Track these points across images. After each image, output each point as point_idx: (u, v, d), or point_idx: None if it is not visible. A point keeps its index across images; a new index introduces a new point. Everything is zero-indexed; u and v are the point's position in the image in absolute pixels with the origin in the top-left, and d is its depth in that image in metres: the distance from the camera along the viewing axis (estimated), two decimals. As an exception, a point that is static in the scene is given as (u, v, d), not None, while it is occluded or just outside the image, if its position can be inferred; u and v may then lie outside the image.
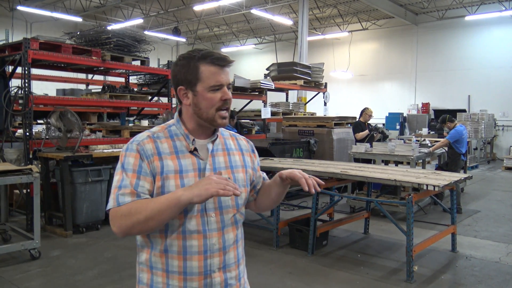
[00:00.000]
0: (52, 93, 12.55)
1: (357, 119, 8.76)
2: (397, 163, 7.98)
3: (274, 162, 5.95)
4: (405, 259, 4.30)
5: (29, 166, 4.80)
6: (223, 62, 1.48)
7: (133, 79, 9.76)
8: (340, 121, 9.26)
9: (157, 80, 8.85)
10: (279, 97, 13.10)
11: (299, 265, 4.68)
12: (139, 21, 17.74)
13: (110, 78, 11.64)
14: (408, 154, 6.79)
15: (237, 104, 10.59)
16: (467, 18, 16.00)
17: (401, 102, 18.57)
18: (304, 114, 11.70)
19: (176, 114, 1.58)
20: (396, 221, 4.73)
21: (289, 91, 12.69)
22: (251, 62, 24.10)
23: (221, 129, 1.63)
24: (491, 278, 4.34)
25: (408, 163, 6.80)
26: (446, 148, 7.65)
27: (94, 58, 6.63)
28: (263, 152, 7.07)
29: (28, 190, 5.64)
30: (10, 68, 6.45)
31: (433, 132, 14.38)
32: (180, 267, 1.44)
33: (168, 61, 9.42)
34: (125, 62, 7.14)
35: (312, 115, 12.09)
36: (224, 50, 24.74)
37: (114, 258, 4.79)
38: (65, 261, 4.74)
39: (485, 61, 16.55)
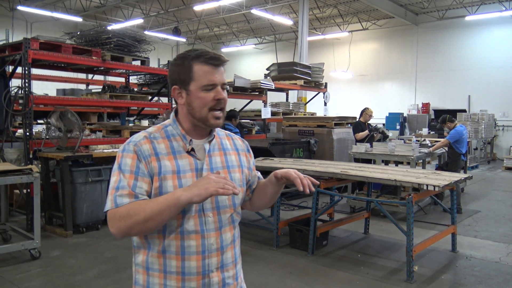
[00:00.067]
0: (52, 93, 12.55)
1: (357, 119, 8.75)
2: (397, 163, 7.98)
3: (274, 162, 5.95)
4: (405, 259, 4.30)
5: (29, 166, 4.80)
6: (217, 61, 1.47)
7: (133, 79, 9.76)
8: (340, 121, 9.26)
9: (157, 80, 8.85)
10: (279, 97, 13.10)
11: (299, 265, 4.68)
12: (139, 21, 17.74)
13: (110, 78, 11.65)
14: (408, 154, 6.79)
15: (237, 104, 10.62)
16: (467, 18, 15.99)
17: (401, 102, 18.57)
18: (304, 114, 11.70)
19: (172, 114, 1.58)
20: (396, 221, 4.73)
21: (289, 91, 12.69)
22: (251, 62, 24.12)
23: (217, 129, 1.63)
24: (491, 278, 4.34)
25: (408, 163, 6.80)
26: (446, 148, 7.65)
27: (94, 58, 6.63)
28: (263, 152, 7.07)
29: (28, 190, 5.64)
30: (10, 68, 6.46)
31: (433, 132, 14.39)
32: (178, 267, 1.44)
33: (168, 61, 9.41)
34: (125, 62, 7.14)
35: (312, 115, 12.09)
36: (224, 50, 24.76)
37: (114, 258, 4.79)
38: (65, 261, 4.74)
39: (485, 61, 16.54)
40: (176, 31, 19.97)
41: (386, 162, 8.15)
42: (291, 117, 10.25)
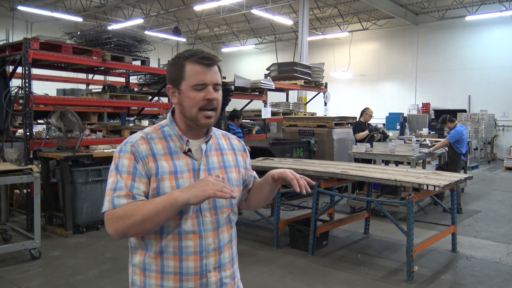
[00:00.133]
0: (53, 93, 12.55)
1: (357, 119, 8.75)
2: (397, 163, 7.98)
3: (274, 162, 5.95)
4: (406, 259, 4.30)
5: (30, 166, 4.80)
6: (208, 61, 1.47)
7: (133, 79, 9.76)
8: (341, 121, 9.26)
9: (157, 80, 8.85)
10: (280, 97, 13.10)
11: (299, 265, 4.68)
12: (139, 21, 17.74)
13: (111, 78, 11.65)
14: (409, 154, 6.79)
15: (237, 104, 10.61)
16: (468, 18, 15.99)
17: (402, 102, 18.57)
18: (304, 114, 11.70)
19: (169, 115, 1.58)
20: (396, 221, 4.72)
21: (290, 91, 12.69)
22: (251, 62, 24.12)
23: (214, 129, 1.63)
24: (491, 278, 4.34)
25: (409, 163, 6.80)
26: (446, 148, 7.65)
27: (94, 58, 6.63)
28: (264, 152, 7.07)
29: (29, 190, 5.64)
30: (11, 68, 6.46)
31: (434, 132, 14.39)
32: (176, 268, 1.44)
33: (168, 61, 9.41)
34: (126, 62, 7.15)
35: (313, 115, 12.09)
36: (224, 50, 24.78)
37: (114, 258, 4.79)
38: (65, 261, 4.74)
39: (486, 61, 16.54)
40: (176, 31, 19.97)
41: (386, 162, 8.14)
42: (291, 117, 10.25)
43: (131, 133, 7.01)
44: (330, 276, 4.40)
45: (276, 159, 6.47)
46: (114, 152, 1.50)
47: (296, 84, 11.01)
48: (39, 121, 8.98)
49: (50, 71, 9.63)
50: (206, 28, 21.77)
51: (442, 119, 7.67)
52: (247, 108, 10.85)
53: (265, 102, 10.07)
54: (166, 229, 1.43)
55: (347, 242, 5.58)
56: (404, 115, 17.67)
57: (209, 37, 24.24)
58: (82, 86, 13.38)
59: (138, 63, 7.58)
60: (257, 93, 10.04)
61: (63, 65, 7.40)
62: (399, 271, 4.53)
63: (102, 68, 7.68)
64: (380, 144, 8.48)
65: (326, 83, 12.19)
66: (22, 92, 5.82)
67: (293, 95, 14.63)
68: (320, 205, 6.31)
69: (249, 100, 10.55)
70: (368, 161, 7.30)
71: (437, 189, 4.21)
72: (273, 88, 10.09)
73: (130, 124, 8.03)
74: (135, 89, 9.12)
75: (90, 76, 13.02)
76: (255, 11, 15.53)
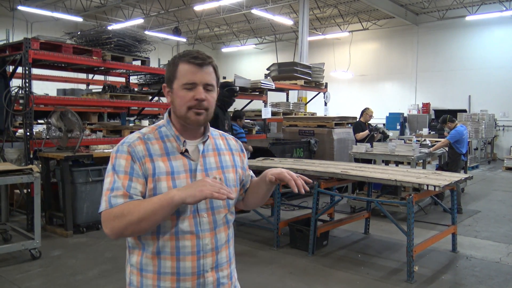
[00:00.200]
0: (53, 93, 12.55)
1: (357, 119, 8.75)
2: (397, 163, 7.98)
3: (274, 162, 5.94)
4: (406, 259, 4.30)
5: (30, 166, 4.80)
6: (198, 60, 1.47)
7: (133, 79, 9.76)
8: (341, 121, 9.26)
9: (157, 80, 8.85)
10: (280, 97, 13.10)
11: (299, 265, 4.68)
12: (139, 21, 17.74)
13: (111, 78, 11.64)
14: (409, 154, 6.79)
15: (237, 104, 10.60)
16: (468, 18, 15.99)
17: (402, 102, 18.57)
18: (304, 114, 11.70)
19: (166, 115, 1.58)
20: (396, 221, 4.72)
21: (290, 91, 12.68)
22: (251, 62, 24.12)
23: (211, 129, 1.63)
24: (492, 279, 4.34)
25: (409, 163, 6.80)
26: (447, 148, 7.65)
27: (94, 58, 6.63)
28: (264, 152, 7.07)
29: (29, 190, 5.64)
30: (11, 68, 6.46)
31: (434, 132, 14.38)
32: (173, 268, 1.44)
33: (168, 61, 9.42)
34: (126, 62, 7.15)
35: (313, 115, 12.08)
36: (225, 50, 24.79)
37: (114, 258, 4.79)
38: (65, 261, 4.74)
39: (486, 61, 16.54)
40: (177, 31, 19.97)
41: (387, 162, 8.14)
42: (291, 117, 10.24)
43: (131, 133, 7.03)
44: (330, 276, 4.40)
45: (276, 159, 6.47)
46: (111, 152, 1.49)
47: (296, 84, 11.01)
48: (39, 121, 8.98)
49: (50, 71, 9.64)
50: (206, 28, 21.77)
51: (442, 119, 7.67)
52: (247, 108, 10.84)
53: (265, 102, 10.07)
54: (163, 229, 1.43)
55: (347, 242, 5.58)
56: (404, 115, 17.67)
57: (209, 37, 24.24)
58: (82, 86, 13.38)
59: (138, 63, 7.58)
60: (257, 93, 10.03)
61: (63, 65, 7.40)
62: (399, 271, 4.53)
63: (102, 68, 7.68)
64: (380, 144, 8.47)
65: (326, 83, 12.18)
66: (22, 92, 5.82)
67: (293, 95, 14.63)
68: (320, 205, 6.31)
69: (249, 100, 10.55)
70: (368, 161, 7.30)
71: (437, 189, 4.21)
72: (273, 88, 10.08)
73: (130, 124, 8.04)
74: (135, 89, 9.12)
75: (90, 76, 13.02)
76: (255, 11, 15.53)
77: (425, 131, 14.28)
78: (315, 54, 19.91)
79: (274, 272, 4.48)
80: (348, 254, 5.10)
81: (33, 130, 6.02)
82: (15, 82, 6.20)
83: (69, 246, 5.26)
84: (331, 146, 8.74)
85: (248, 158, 6.42)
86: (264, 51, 23.98)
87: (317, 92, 12.52)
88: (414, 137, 9.74)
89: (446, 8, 17.01)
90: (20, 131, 6.94)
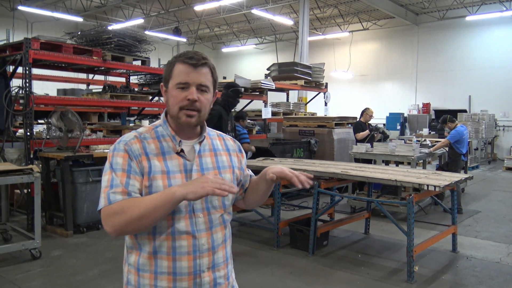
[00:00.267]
0: (53, 93, 12.55)
1: (357, 119, 8.75)
2: (397, 163, 7.98)
3: (274, 162, 5.95)
4: (406, 259, 4.30)
5: (30, 166, 4.80)
6: (193, 61, 1.47)
7: (133, 79, 9.76)
8: (341, 121, 9.26)
9: (157, 80, 8.85)
10: (280, 97, 13.10)
11: (299, 265, 4.68)
12: (139, 21, 17.74)
13: (111, 78, 11.64)
14: (409, 154, 6.79)
15: (238, 104, 10.61)
16: (468, 18, 15.99)
17: (402, 102, 18.57)
18: (304, 114, 11.70)
19: (162, 115, 1.58)
20: (396, 221, 4.72)
21: (290, 91, 12.68)
22: (251, 62, 24.12)
23: (208, 129, 1.63)
24: (492, 279, 4.34)
25: (409, 164, 6.80)
26: (447, 149, 7.65)
27: (95, 58, 6.63)
28: (264, 152, 7.07)
29: (29, 190, 5.64)
30: (11, 68, 6.46)
31: (434, 133, 14.38)
32: (169, 268, 1.44)
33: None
34: (126, 62, 7.15)
35: (313, 115, 12.08)
36: (225, 50, 24.80)
37: (114, 258, 4.79)
38: (65, 261, 4.74)
39: (486, 61, 16.54)
40: (177, 31, 19.97)
41: (387, 162, 8.14)
42: (291, 117, 10.24)
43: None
44: (331, 276, 4.40)
45: (276, 159, 6.47)
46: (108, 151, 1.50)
47: (296, 84, 11.01)
48: (40, 121, 8.98)
49: (51, 71, 9.64)
50: (207, 28, 21.77)
51: (443, 119, 7.67)
52: (247, 108, 10.84)
53: (265, 102, 10.07)
54: (159, 229, 1.43)
55: (348, 242, 5.58)
56: (405, 115, 17.67)
57: (210, 37, 24.24)
58: (83, 86, 13.39)
59: (138, 63, 7.58)
60: (258, 93, 10.03)
61: (63, 65, 7.40)
62: (399, 271, 4.53)
63: (103, 68, 7.68)
64: (381, 144, 8.46)
65: (326, 83, 12.19)
66: (23, 92, 5.82)
67: (294, 95, 14.63)
68: (321, 205, 6.31)
69: (250, 100, 10.55)
70: (368, 161, 7.30)
71: (437, 189, 4.21)
72: (274, 88, 10.09)
73: (131, 124, 8.04)
74: (136, 89, 9.12)
75: (91, 76, 13.02)
76: (256, 11, 15.53)
77: (425, 131, 14.28)
78: (315, 54, 19.91)
79: (274, 272, 4.48)
80: (348, 254, 5.10)
81: (34, 130, 6.02)
82: (16, 82, 6.20)
83: (69, 246, 5.26)
84: (331, 146, 8.74)
85: (250, 158, 6.45)
86: (264, 51, 23.98)
87: (317, 92, 12.52)
88: (414, 137, 9.74)
89: (446, 8, 17.01)
90: (21, 131, 6.94)
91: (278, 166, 1.58)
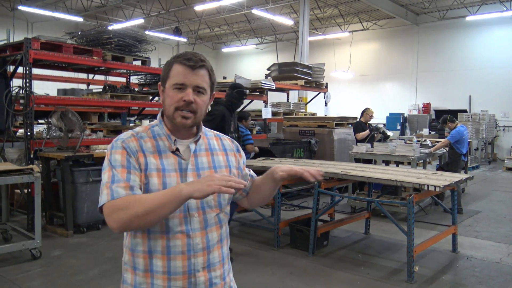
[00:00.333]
0: (53, 93, 12.56)
1: (358, 120, 8.75)
2: (398, 163, 7.98)
3: (275, 162, 5.95)
4: (406, 259, 4.30)
5: (30, 166, 4.80)
6: (191, 62, 1.48)
7: (134, 79, 9.76)
8: (341, 121, 9.26)
9: (158, 80, 8.79)
10: (280, 97, 13.10)
11: (299, 265, 4.68)
12: (140, 21, 17.75)
13: (111, 78, 11.66)
14: (409, 154, 6.79)
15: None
16: (468, 18, 15.99)
17: (402, 102, 18.57)
18: (305, 114, 11.70)
19: (159, 115, 1.59)
20: (397, 221, 4.72)
21: (290, 91, 12.68)
22: (252, 62, 24.12)
23: (205, 129, 1.64)
24: (492, 279, 4.33)
25: (409, 164, 6.80)
26: (447, 149, 7.65)
27: (95, 58, 6.63)
28: (264, 152, 7.07)
29: (29, 190, 5.64)
30: (12, 68, 6.46)
31: (434, 133, 14.38)
32: (164, 267, 1.44)
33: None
34: (126, 62, 7.15)
35: (313, 115, 12.08)
36: (225, 50, 24.80)
37: (115, 258, 4.79)
38: (66, 261, 4.74)
39: (486, 61, 16.54)
40: (177, 31, 19.98)
41: (387, 163, 8.14)
42: (291, 117, 10.24)
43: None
44: (331, 276, 4.40)
45: (276, 159, 6.47)
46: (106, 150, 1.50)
47: (296, 84, 11.01)
48: (40, 121, 8.98)
49: (51, 71, 9.64)
50: (207, 28, 21.77)
51: (443, 119, 7.67)
52: (247, 108, 10.84)
53: (265, 102, 10.07)
54: (154, 229, 1.43)
55: (348, 242, 5.58)
56: (405, 115, 17.67)
57: (210, 37, 24.25)
58: (83, 86, 13.39)
59: (138, 63, 7.58)
60: (258, 93, 10.04)
61: (63, 65, 7.40)
62: (399, 271, 4.53)
63: (103, 68, 7.69)
64: (381, 144, 8.46)
65: (326, 83, 12.19)
66: (23, 92, 5.82)
67: (294, 95, 14.63)
68: (321, 205, 6.31)
69: (250, 100, 10.55)
70: (368, 161, 7.30)
71: (437, 189, 4.21)
72: (274, 88, 10.09)
73: (131, 124, 8.04)
74: (136, 89, 9.13)
75: (91, 76, 13.02)
76: (256, 11, 15.53)
77: (425, 131, 14.28)
78: (316, 54, 19.91)
79: (275, 272, 4.48)
80: (348, 254, 5.10)
81: (34, 130, 6.02)
82: (16, 82, 6.20)
83: (70, 246, 5.27)
84: (332, 146, 8.74)
85: (251, 158, 6.45)
86: (264, 51, 23.98)
87: (318, 92, 12.52)
88: (414, 137, 9.73)
89: (446, 8, 17.01)
90: (21, 131, 6.94)
91: (285, 165, 1.59)
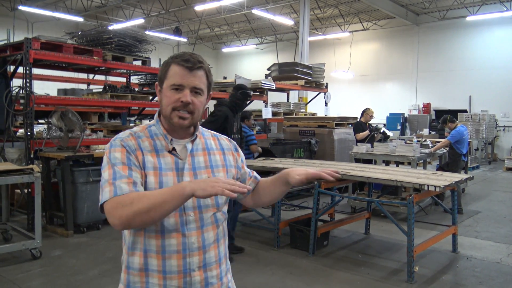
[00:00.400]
0: (53, 93, 12.55)
1: (358, 120, 8.75)
2: (398, 163, 7.98)
3: (275, 162, 5.94)
4: (406, 259, 4.31)
5: (30, 166, 4.80)
6: (188, 64, 1.48)
7: (134, 79, 9.76)
8: (341, 122, 9.27)
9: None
10: (280, 97, 13.10)
11: (299, 265, 4.68)
12: (140, 21, 17.75)
13: (111, 78, 11.65)
14: (409, 154, 6.79)
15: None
16: (468, 18, 15.99)
17: (402, 103, 18.56)
18: (305, 114, 11.70)
19: (156, 115, 1.61)
20: (397, 221, 4.72)
21: (290, 91, 12.68)
22: (252, 62, 24.12)
23: (202, 129, 1.64)
24: (492, 279, 4.33)
25: (409, 164, 6.80)
26: (447, 149, 7.65)
27: (95, 58, 6.63)
28: (264, 152, 7.07)
29: (29, 190, 5.64)
30: (12, 67, 6.46)
31: (434, 133, 14.38)
32: (159, 266, 1.44)
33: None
34: (126, 62, 7.15)
35: (313, 115, 12.08)
36: (225, 50, 24.79)
37: (115, 258, 4.79)
38: (66, 261, 4.75)
39: (486, 61, 16.53)
40: (177, 31, 19.98)
41: (387, 163, 8.14)
42: (292, 117, 10.25)
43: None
44: (331, 276, 4.40)
45: (277, 159, 6.47)
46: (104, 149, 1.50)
47: (296, 84, 11.01)
48: (40, 121, 8.98)
49: (51, 71, 9.64)
50: (207, 28, 21.77)
51: (443, 119, 7.67)
52: (247, 108, 10.81)
53: (265, 102, 10.07)
54: (149, 228, 1.44)
55: (348, 242, 5.58)
56: (405, 115, 17.66)
57: (210, 37, 24.25)
58: (83, 86, 13.38)
59: (139, 63, 7.58)
60: (258, 93, 10.03)
61: (64, 65, 7.40)
62: (399, 271, 4.53)
63: (103, 68, 7.69)
64: (381, 145, 8.46)
65: (326, 83, 12.18)
66: (23, 92, 5.82)
67: (294, 95, 14.63)
68: (321, 205, 6.31)
69: (250, 100, 10.54)
70: (368, 162, 7.30)
71: (438, 189, 4.21)
72: (274, 88, 10.09)
73: (131, 124, 8.04)
74: (136, 89, 9.13)
75: (91, 76, 13.01)
76: (256, 11, 15.53)
77: (425, 131, 14.28)
78: (316, 54, 19.91)
79: (275, 272, 4.48)
80: (348, 254, 5.10)
81: (34, 130, 6.02)
82: (16, 82, 6.20)
83: (70, 246, 5.27)
84: (332, 146, 8.74)
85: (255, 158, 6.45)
86: (264, 51, 23.98)
87: (318, 92, 12.52)
88: (414, 137, 9.73)
89: (446, 8, 17.00)
90: (21, 131, 6.94)
91: (299, 168, 1.58)
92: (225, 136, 1.74)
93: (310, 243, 4.96)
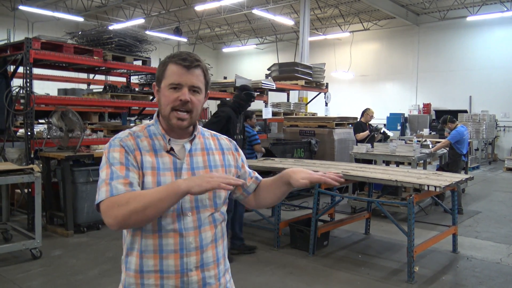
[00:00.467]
0: (54, 92, 12.55)
1: (358, 120, 8.75)
2: (398, 163, 7.98)
3: (275, 162, 5.94)
4: (406, 259, 4.31)
5: (31, 166, 4.81)
6: (186, 62, 1.49)
7: (134, 79, 9.76)
8: (341, 122, 9.26)
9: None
10: (280, 97, 13.10)
11: (299, 266, 4.68)
12: (140, 21, 17.75)
13: (112, 78, 11.64)
14: (409, 154, 6.79)
15: (248, 108, 10.59)
16: (469, 18, 15.98)
17: (402, 103, 18.56)
18: (305, 115, 11.70)
19: (155, 115, 1.61)
20: (397, 221, 4.72)
21: (290, 91, 12.68)
22: (252, 62, 24.12)
23: (202, 129, 1.64)
24: (492, 279, 4.33)
25: (409, 164, 6.80)
26: (447, 149, 7.65)
27: (95, 58, 6.63)
28: (265, 153, 7.07)
29: (30, 190, 5.65)
30: (12, 67, 6.46)
31: (434, 133, 14.37)
32: (156, 266, 1.45)
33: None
34: (127, 62, 7.15)
35: (313, 115, 12.08)
36: (225, 50, 24.80)
37: (115, 258, 4.79)
38: (66, 260, 4.75)
39: (487, 61, 16.53)
40: (177, 31, 19.98)
41: (387, 163, 8.14)
42: (292, 117, 10.24)
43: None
44: (331, 276, 4.40)
45: (277, 159, 6.47)
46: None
47: (297, 84, 11.01)
48: (40, 120, 8.99)
49: (51, 71, 9.64)
50: (207, 28, 21.77)
51: (443, 119, 7.67)
52: (248, 108, 10.83)
53: (266, 102, 10.07)
54: (146, 227, 1.44)
55: (348, 242, 5.58)
56: (405, 116, 17.65)
57: (210, 37, 24.25)
58: (83, 86, 13.38)
59: (139, 63, 7.59)
60: (258, 93, 10.03)
61: (64, 65, 7.40)
62: (399, 271, 4.53)
63: (103, 68, 7.69)
64: (381, 145, 8.45)
65: (327, 84, 12.18)
66: (23, 91, 5.83)
67: (294, 95, 14.62)
68: (321, 205, 6.31)
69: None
70: (369, 162, 7.30)
71: (438, 189, 4.21)
72: (274, 88, 10.09)
73: (131, 124, 8.04)
74: (136, 89, 9.13)
75: (91, 76, 13.00)
76: (256, 11, 15.53)
77: (425, 131, 14.26)
78: (316, 54, 19.91)
79: (275, 272, 4.48)
80: (348, 254, 5.10)
81: (34, 129, 6.02)
82: (16, 82, 6.21)
83: (70, 246, 5.27)
84: (332, 147, 8.74)
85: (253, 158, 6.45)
86: (265, 51, 23.98)
87: (318, 92, 12.52)
88: (414, 137, 9.73)
89: (447, 8, 17.00)
90: (21, 130, 6.95)
91: (302, 170, 1.58)
92: (225, 136, 1.74)
93: (310, 243, 4.96)
